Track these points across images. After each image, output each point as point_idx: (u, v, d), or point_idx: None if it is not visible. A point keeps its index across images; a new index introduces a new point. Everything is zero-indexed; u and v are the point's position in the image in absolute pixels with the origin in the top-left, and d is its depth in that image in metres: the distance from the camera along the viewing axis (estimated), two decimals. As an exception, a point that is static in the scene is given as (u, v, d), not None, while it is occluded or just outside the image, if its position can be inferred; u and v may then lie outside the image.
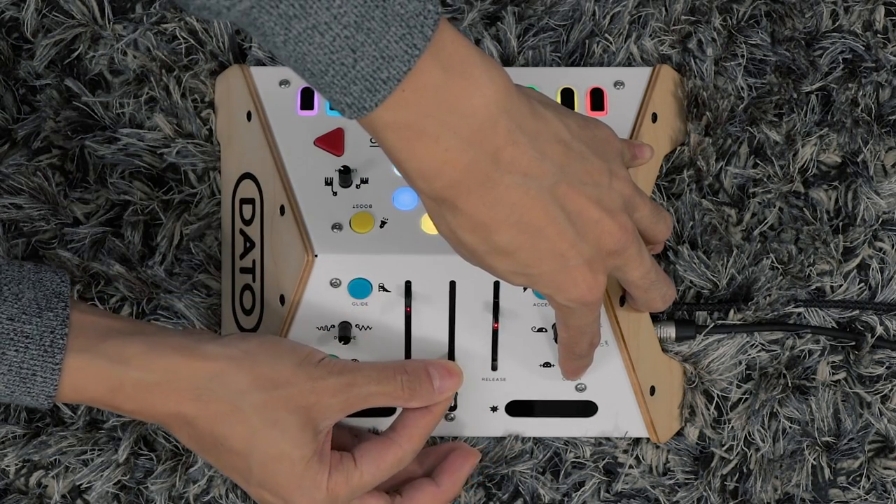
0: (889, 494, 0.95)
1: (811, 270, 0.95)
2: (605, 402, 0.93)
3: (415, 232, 0.89)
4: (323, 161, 0.91)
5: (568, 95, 0.94)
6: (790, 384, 0.95)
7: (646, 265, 0.82)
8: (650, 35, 0.96)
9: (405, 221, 0.89)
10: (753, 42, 0.96)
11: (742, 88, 0.96)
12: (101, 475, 0.94)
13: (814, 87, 0.96)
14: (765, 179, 0.95)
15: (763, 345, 0.95)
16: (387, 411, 0.91)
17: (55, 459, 0.95)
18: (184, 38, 0.96)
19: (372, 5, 0.70)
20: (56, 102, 0.97)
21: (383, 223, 0.89)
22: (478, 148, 0.73)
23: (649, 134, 0.94)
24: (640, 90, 0.94)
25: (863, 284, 0.96)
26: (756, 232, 0.95)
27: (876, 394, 0.95)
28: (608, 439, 0.95)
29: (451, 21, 0.91)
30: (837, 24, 0.97)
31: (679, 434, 0.95)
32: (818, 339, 0.95)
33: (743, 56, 0.96)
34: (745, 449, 0.95)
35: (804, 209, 0.96)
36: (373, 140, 0.87)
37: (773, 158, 0.96)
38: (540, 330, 0.91)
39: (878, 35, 0.97)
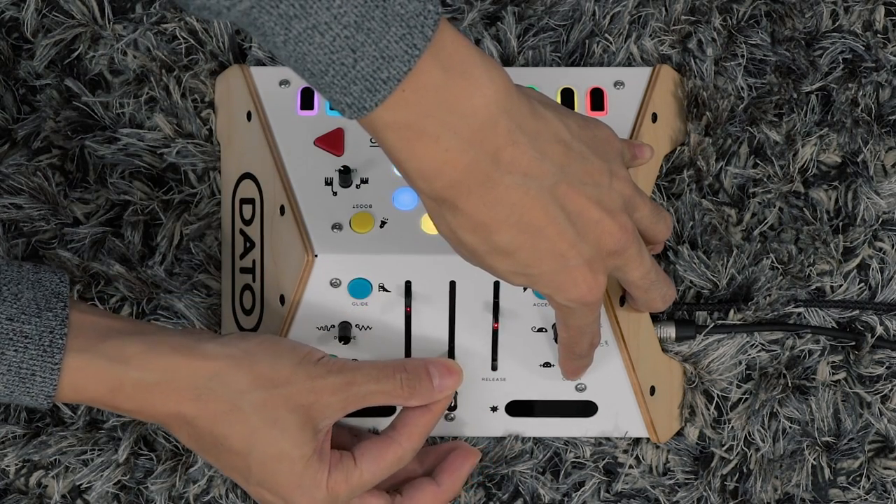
0: (889, 494, 0.95)
1: (811, 270, 0.95)
2: (605, 402, 0.93)
3: (415, 232, 0.89)
4: (323, 161, 0.91)
5: (568, 95, 0.94)
6: (790, 384, 0.95)
7: (646, 265, 0.82)
8: (650, 35, 0.96)
9: (405, 221, 0.89)
10: (753, 42, 0.96)
11: (742, 88, 0.96)
12: (101, 475, 0.94)
13: (814, 87, 0.96)
14: (765, 179, 0.95)
15: (763, 345, 0.95)
16: (386, 411, 0.91)
17: (55, 459, 0.95)
18: (184, 38, 0.96)
19: (372, 5, 0.70)
20: (56, 102, 0.97)
21: (383, 223, 0.89)
22: (478, 148, 0.73)
23: (649, 134, 0.94)
24: (640, 90, 0.94)
25: (863, 284, 0.96)
26: (756, 232, 0.95)
27: (876, 394, 0.95)
28: (608, 439, 0.95)
29: (451, 21, 0.91)
30: (837, 24, 0.97)
31: (679, 434, 0.95)
32: (818, 339, 0.95)
33: (743, 56, 0.96)
34: (745, 449, 0.95)
35: (804, 209, 0.96)
36: (373, 140, 0.87)
37: (773, 158, 0.96)
38: (540, 330, 0.91)
39: (878, 35, 0.97)
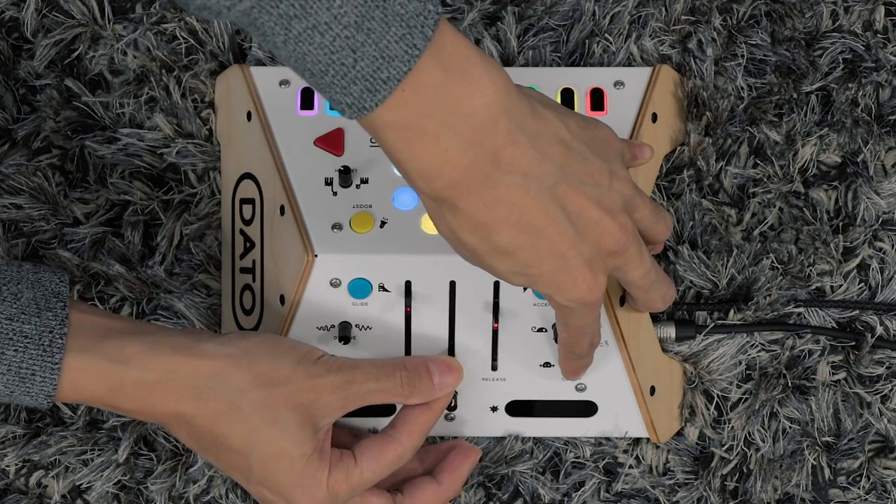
0: (889, 494, 0.95)
1: (811, 270, 0.95)
2: (605, 402, 0.93)
3: (415, 232, 0.89)
4: (323, 161, 0.91)
5: (568, 95, 0.94)
6: (790, 384, 0.95)
7: (646, 265, 0.82)
8: (650, 35, 0.96)
9: (405, 221, 0.89)
10: (753, 42, 0.96)
11: (742, 88, 0.96)
12: (101, 475, 0.94)
13: (814, 87, 0.96)
14: (765, 179, 0.95)
15: (763, 345, 0.95)
16: (386, 411, 0.91)
17: (55, 459, 0.95)
18: (184, 38, 0.96)
19: (372, 5, 0.70)
20: (56, 102, 0.97)
21: (383, 223, 0.89)
22: (478, 148, 0.73)
23: (649, 134, 0.94)
24: (640, 90, 0.94)
25: (863, 284, 0.96)
26: (756, 232, 0.95)
27: (876, 394, 0.95)
28: (608, 439, 0.95)
29: (450, 21, 0.91)
30: (837, 24, 0.97)
31: (679, 434, 0.95)
32: (818, 339, 0.95)
33: (743, 56, 0.96)
34: (745, 449, 0.95)
35: (804, 209, 0.96)
36: (373, 140, 0.87)
37: (773, 158, 0.96)
38: (540, 330, 0.91)
39: (878, 35, 0.97)
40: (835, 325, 0.96)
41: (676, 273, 0.94)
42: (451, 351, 0.91)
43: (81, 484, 0.95)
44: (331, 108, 0.93)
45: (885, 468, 0.95)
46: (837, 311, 0.95)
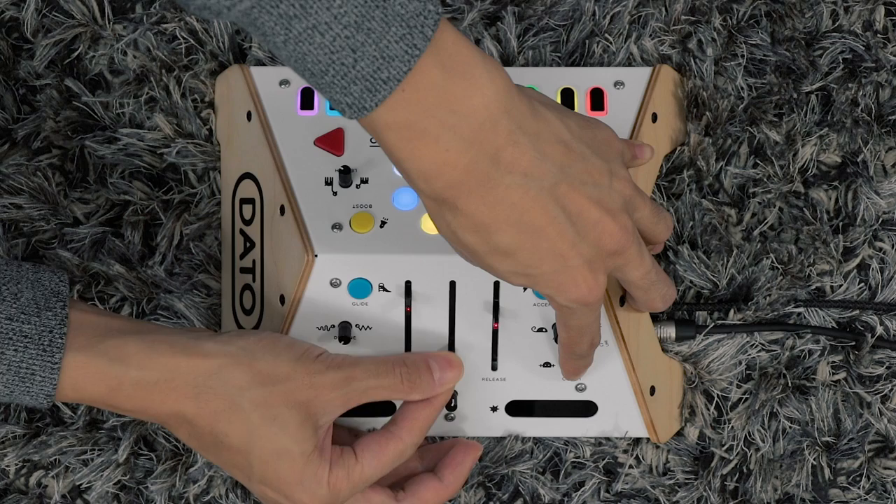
0: (889, 494, 0.95)
1: (811, 270, 0.95)
2: (605, 402, 0.93)
3: (415, 232, 0.89)
4: (323, 161, 0.91)
5: (568, 95, 0.94)
6: (790, 384, 0.95)
7: (646, 265, 0.82)
8: (650, 35, 0.96)
9: (405, 221, 0.89)
10: (753, 42, 0.96)
11: (742, 88, 0.96)
12: (101, 475, 0.94)
13: (814, 87, 0.96)
14: (765, 179, 0.95)
15: (763, 345, 0.95)
16: (385, 411, 0.91)
17: (55, 459, 0.95)
18: (184, 38, 0.96)
19: (372, 5, 0.70)
20: (56, 102, 0.97)
21: (383, 223, 0.89)
22: (478, 148, 0.73)
23: (649, 134, 0.94)
24: (640, 90, 0.94)
25: (863, 284, 0.96)
26: (756, 232, 0.95)
27: (876, 394, 0.95)
28: (608, 439, 0.95)
29: (450, 21, 0.91)
30: (837, 24, 0.97)
31: (679, 434, 0.95)
32: (818, 339, 0.95)
33: (743, 56, 0.96)
34: (745, 449, 0.95)
35: (804, 209, 0.96)
36: (373, 140, 0.87)
37: (773, 158, 0.96)
38: (540, 330, 0.91)
39: (878, 35, 0.97)
40: (835, 325, 0.96)
41: (676, 273, 0.95)
42: (451, 350, 0.91)
43: (81, 484, 0.95)
44: (331, 108, 0.93)
45: (885, 468, 0.95)
46: (837, 311, 0.95)
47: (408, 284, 0.89)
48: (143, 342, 0.81)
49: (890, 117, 0.96)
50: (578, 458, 0.95)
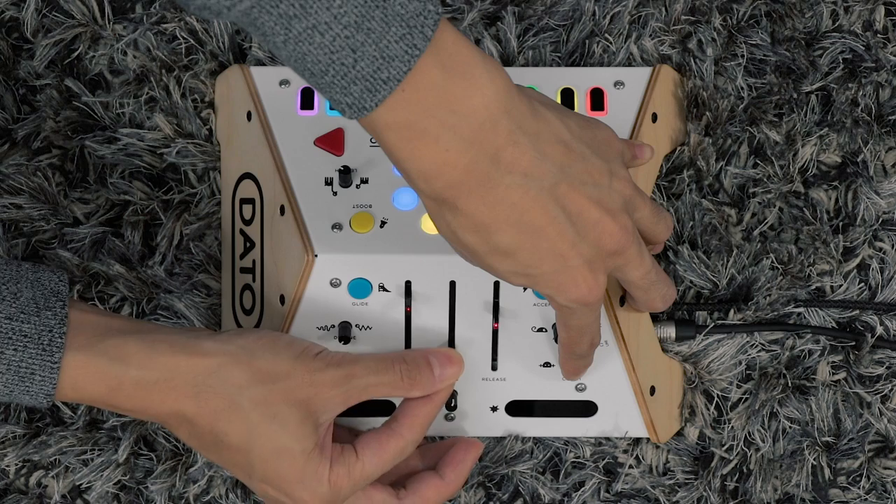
0: (889, 494, 0.95)
1: (811, 270, 0.95)
2: (605, 402, 0.93)
3: (415, 232, 0.89)
4: (323, 161, 0.91)
5: (568, 95, 0.94)
6: (790, 384, 0.95)
7: (646, 265, 0.82)
8: (650, 35, 0.96)
9: (405, 221, 0.89)
10: (753, 42, 0.96)
11: (742, 88, 0.96)
12: (101, 475, 0.94)
13: (814, 87, 0.96)
14: (765, 179, 0.95)
15: (763, 345, 0.95)
16: (386, 412, 0.91)
17: (55, 459, 0.95)
18: (184, 38, 0.96)
19: (372, 5, 0.70)
20: (56, 102, 0.97)
21: (383, 223, 0.89)
22: (478, 148, 0.73)
23: (649, 134, 0.94)
24: (640, 90, 0.94)
25: (863, 284, 0.96)
26: (756, 232, 0.95)
27: (876, 394, 0.95)
28: (608, 439, 0.95)
29: (450, 21, 0.91)
30: (837, 24, 0.97)
31: (679, 434, 0.95)
32: (818, 339, 0.95)
33: (743, 56, 0.96)
34: (745, 449, 0.95)
35: (804, 209, 0.96)
36: (373, 140, 0.87)
37: (773, 158, 0.96)
38: (540, 330, 0.91)
39: (878, 35, 0.97)
40: (835, 325, 0.96)
41: (676, 273, 0.95)
42: (451, 351, 0.91)
43: (81, 484, 0.95)
44: (331, 108, 0.93)
45: (885, 468, 0.95)
46: (837, 311, 0.95)
47: (408, 284, 0.89)
48: (143, 342, 0.81)
49: (890, 117, 0.96)
50: (578, 458, 0.95)
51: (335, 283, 0.89)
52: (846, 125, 0.96)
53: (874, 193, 0.95)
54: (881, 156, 0.97)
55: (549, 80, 0.94)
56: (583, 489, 0.95)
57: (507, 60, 0.96)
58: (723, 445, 0.95)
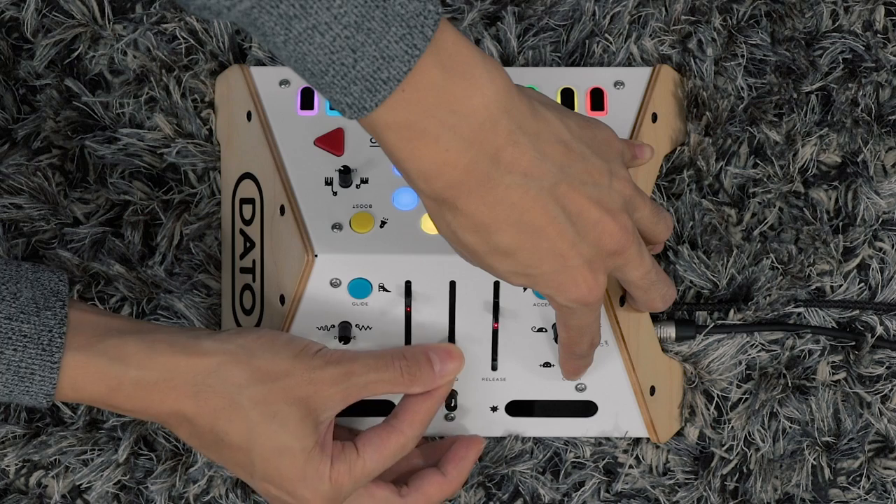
0: (889, 494, 0.95)
1: (811, 270, 0.95)
2: (605, 402, 0.93)
3: (415, 232, 0.89)
4: (323, 161, 0.91)
5: (568, 95, 0.94)
6: (790, 384, 0.95)
7: (646, 265, 0.82)
8: (650, 35, 0.96)
9: (405, 221, 0.89)
10: (753, 42, 0.96)
11: (742, 88, 0.96)
12: (101, 475, 0.94)
13: (814, 87, 0.96)
14: (765, 179, 0.95)
15: (763, 345, 0.95)
16: (386, 412, 0.91)
17: (55, 459, 0.95)
18: (184, 38, 0.96)
19: (372, 5, 0.70)
20: (56, 102, 0.97)
21: (383, 223, 0.89)
22: (478, 148, 0.73)
23: (649, 134, 0.94)
24: (640, 90, 0.94)
25: (863, 284, 0.96)
26: (756, 232, 0.95)
27: (876, 394, 0.95)
28: (608, 439, 0.95)
29: (450, 21, 0.91)
30: (837, 24, 0.97)
31: (679, 434, 0.95)
32: (818, 339, 0.95)
33: (743, 56, 0.96)
34: (745, 449, 0.95)
35: (804, 209, 0.96)
36: (373, 140, 0.87)
37: (773, 158, 0.96)
38: (540, 330, 0.91)
39: (878, 35, 0.97)
40: (835, 325, 0.96)
41: (676, 273, 0.95)
42: (451, 351, 0.91)
43: (81, 484, 0.95)
44: (331, 108, 0.93)
45: (885, 468, 0.95)
46: (837, 311, 0.95)
47: (408, 284, 0.89)
48: (143, 342, 0.81)
49: (890, 117, 0.96)
50: (578, 458, 0.95)
51: (335, 283, 0.89)
52: (846, 125, 0.96)
53: (874, 193, 0.95)
54: (881, 156, 0.97)
55: (549, 80, 0.94)
56: (583, 489, 0.95)
57: (507, 60, 0.96)
58: (723, 445, 0.95)
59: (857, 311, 0.95)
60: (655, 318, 0.94)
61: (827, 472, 0.95)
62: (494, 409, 0.93)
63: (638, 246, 0.80)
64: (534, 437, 0.94)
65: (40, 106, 0.97)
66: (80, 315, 0.81)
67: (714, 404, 0.95)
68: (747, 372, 0.95)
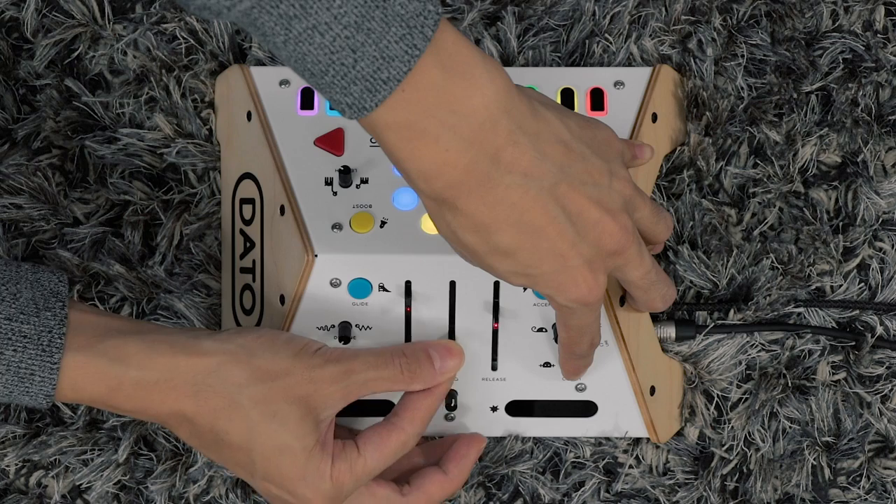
0: (889, 494, 0.95)
1: (811, 270, 0.95)
2: (605, 402, 0.93)
3: (415, 232, 0.89)
4: (323, 161, 0.91)
5: (568, 95, 0.94)
6: (790, 384, 0.95)
7: (646, 265, 0.82)
8: (650, 35, 0.96)
9: (405, 221, 0.89)
10: (753, 42, 0.96)
11: (742, 88, 0.96)
12: (101, 475, 0.94)
13: (814, 87, 0.96)
14: (765, 179, 0.95)
15: (763, 345, 0.95)
16: (385, 412, 0.91)
17: (55, 459, 0.95)
18: (184, 38, 0.96)
19: (372, 5, 0.70)
20: (56, 102, 0.97)
21: (383, 223, 0.89)
22: (478, 148, 0.73)
23: (649, 134, 0.94)
24: (640, 90, 0.94)
25: (863, 284, 0.96)
26: (756, 232, 0.95)
27: (876, 394, 0.95)
28: (608, 439, 0.95)
29: (450, 21, 0.91)
30: (837, 24, 0.97)
31: (679, 434, 0.95)
32: (818, 339, 0.95)
33: (743, 56, 0.96)
34: (745, 449, 0.95)
35: (804, 209, 0.96)
36: (373, 140, 0.87)
37: (773, 158, 0.96)
38: (540, 330, 0.91)
39: (878, 35, 0.97)
40: (835, 325, 0.96)
41: (676, 273, 0.94)
42: (451, 351, 0.91)
43: (81, 484, 0.95)
44: (331, 108, 0.93)
45: (885, 468, 0.95)
46: (837, 311, 0.95)
47: (408, 284, 0.89)
48: (143, 342, 0.81)
49: (890, 117, 0.96)
50: (578, 458, 0.95)
51: (335, 283, 0.89)
52: (846, 125, 0.96)
53: (874, 193, 0.95)
54: (881, 156, 0.96)
55: (549, 80, 0.94)
56: (583, 489, 0.95)
57: (507, 60, 0.96)
58: (723, 445, 0.95)
59: (857, 311, 0.95)
60: (655, 318, 0.94)
61: (827, 472, 0.95)
62: (494, 409, 0.93)
63: (638, 246, 0.80)
64: (534, 437, 0.94)
65: (40, 106, 0.97)
66: (79, 315, 0.81)
67: (714, 404, 0.95)
68: (747, 372, 0.95)
